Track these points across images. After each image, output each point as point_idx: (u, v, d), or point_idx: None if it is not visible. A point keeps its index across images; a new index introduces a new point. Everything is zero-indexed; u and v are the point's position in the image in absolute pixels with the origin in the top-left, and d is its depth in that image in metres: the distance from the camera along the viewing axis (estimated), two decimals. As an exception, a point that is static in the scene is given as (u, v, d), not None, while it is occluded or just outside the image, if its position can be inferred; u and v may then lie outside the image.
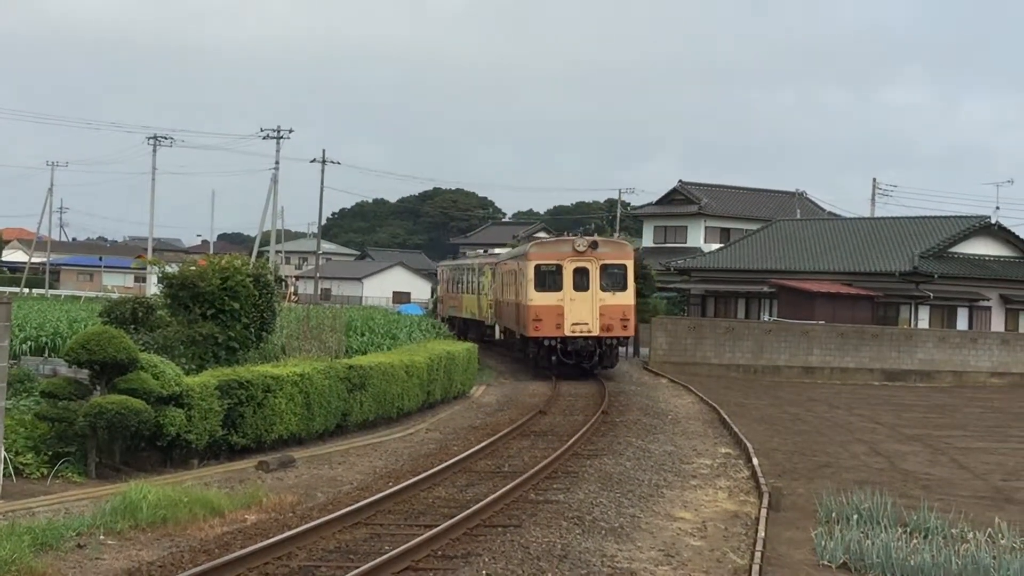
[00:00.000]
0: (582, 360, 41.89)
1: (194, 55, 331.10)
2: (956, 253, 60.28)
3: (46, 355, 30.88)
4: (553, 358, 41.74)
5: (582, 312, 41.00)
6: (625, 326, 41.85)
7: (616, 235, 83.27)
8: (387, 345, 38.67)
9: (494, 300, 51.43)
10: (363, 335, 39.21)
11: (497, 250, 64.06)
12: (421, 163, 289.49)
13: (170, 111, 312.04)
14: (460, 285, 62.67)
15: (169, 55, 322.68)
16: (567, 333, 41.08)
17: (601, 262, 41.59)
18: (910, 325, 57.10)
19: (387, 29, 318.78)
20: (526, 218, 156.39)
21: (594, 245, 42.09)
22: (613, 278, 41.66)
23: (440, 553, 15.06)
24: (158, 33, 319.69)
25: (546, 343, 41.48)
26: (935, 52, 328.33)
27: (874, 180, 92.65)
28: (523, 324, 42.27)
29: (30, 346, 32.45)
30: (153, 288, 65.10)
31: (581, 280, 41.30)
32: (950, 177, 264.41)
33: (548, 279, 41.38)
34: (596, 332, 41.19)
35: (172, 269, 29.70)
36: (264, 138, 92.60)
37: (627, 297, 41.71)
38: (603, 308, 41.10)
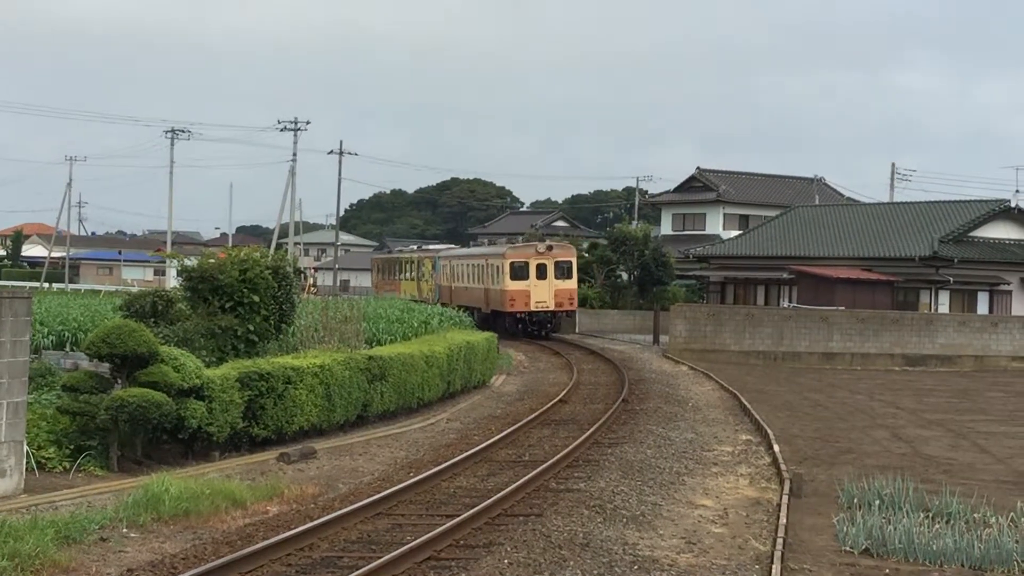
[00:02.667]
0: (541, 327, 58.15)
1: (209, 48, 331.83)
2: (976, 237, 60.02)
3: (67, 349, 30.96)
4: (520, 326, 57.81)
5: (542, 294, 57.30)
6: (571, 303, 58.62)
7: (635, 223, 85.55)
8: (398, 330, 39.04)
9: (437, 285, 69.21)
10: (378, 324, 39.42)
11: (432, 246, 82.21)
12: (439, 154, 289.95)
13: (187, 104, 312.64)
14: (396, 274, 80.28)
15: (184, 48, 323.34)
16: (532, 308, 57.40)
17: (555, 260, 57.76)
18: (930, 310, 56.91)
19: (399, 19, 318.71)
20: (544, 207, 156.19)
21: (550, 248, 58.79)
22: (563, 270, 57.87)
23: (462, 543, 15.09)
24: (172, 26, 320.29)
25: (518, 315, 57.78)
26: (951, 35, 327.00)
27: (893, 165, 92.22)
28: (499, 303, 58.06)
29: (52, 340, 32.53)
30: (172, 281, 65.56)
31: (541, 272, 57.31)
32: (969, 161, 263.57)
33: (519, 271, 57.21)
34: (552, 307, 57.76)
35: (191, 262, 29.70)
36: (281, 130, 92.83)
37: (572, 283, 58.41)
38: (556, 291, 57.48)
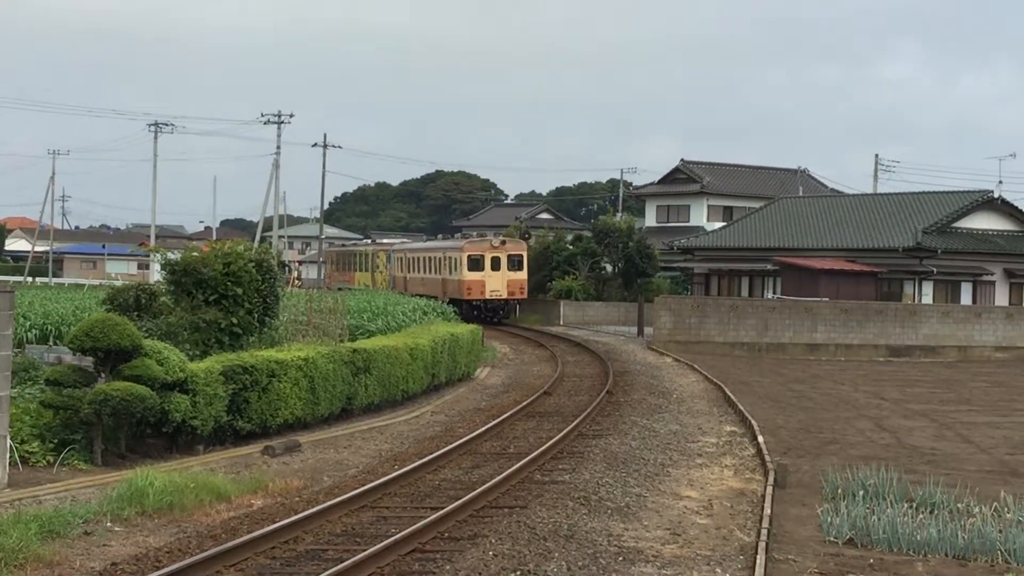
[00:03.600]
0: (495, 313, 63.80)
1: (193, 41, 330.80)
2: (959, 228, 60.22)
3: (50, 343, 30.85)
4: (476, 312, 61.66)
5: (496, 284, 63.51)
6: (522, 292, 64.54)
7: (619, 215, 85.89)
8: (381, 322, 39.02)
9: (392, 276, 75.47)
10: (363, 316, 39.40)
11: (385, 240, 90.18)
12: (423, 146, 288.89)
13: (170, 98, 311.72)
14: (351, 265, 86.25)
15: (167, 41, 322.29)
16: (487, 296, 63.41)
17: (507, 253, 64.10)
18: (914, 301, 57.08)
19: (385, 12, 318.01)
20: (529, 199, 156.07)
21: (503, 242, 65.40)
22: (514, 263, 64.19)
23: (447, 535, 15.09)
24: (155, 18, 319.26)
25: (474, 303, 62.95)
26: (933, 27, 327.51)
27: (876, 156, 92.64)
28: (456, 292, 63.25)
29: (35, 334, 32.43)
30: (156, 275, 65.60)
31: (495, 264, 63.62)
32: (952, 152, 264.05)
33: (475, 264, 63.44)
34: (504, 296, 63.95)
35: (174, 256, 29.63)
36: (265, 123, 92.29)
37: (523, 274, 64.61)
38: (509, 281, 63.77)
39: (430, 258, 69.79)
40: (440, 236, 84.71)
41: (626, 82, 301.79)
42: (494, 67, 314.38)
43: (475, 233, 73.05)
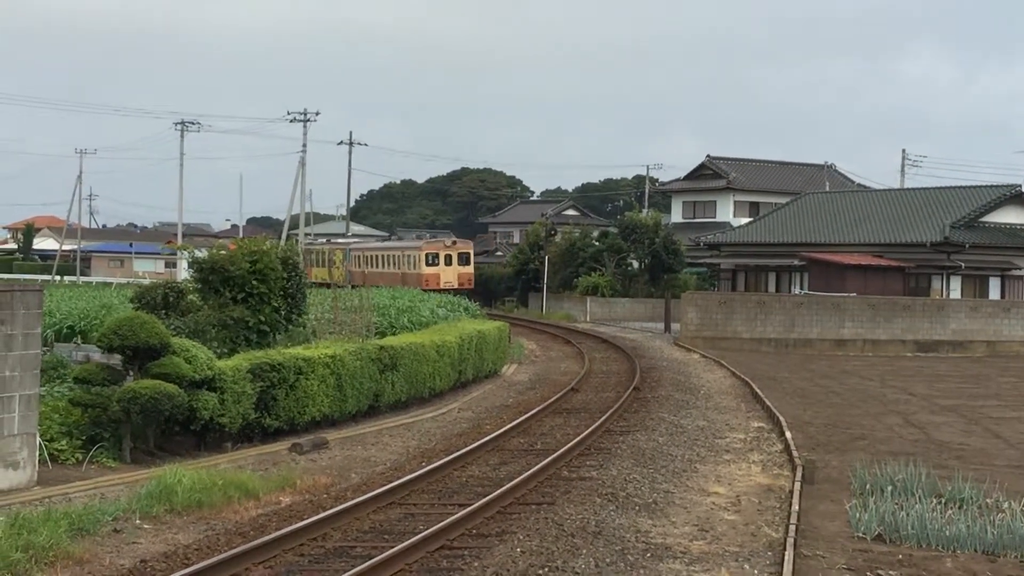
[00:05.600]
0: None
1: (217, 40, 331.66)
2: (987, 222, 59.87)
3: (78, 341, 30.99)
4: None
5: (449, 276, 73.86)
6: (469, 283, 74.63)
7: (646, 211, 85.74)
8: (406, 319, 39.08)
9: (349, 271, 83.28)
10: (388, 313, 39.47)
11: (339, 239, 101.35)
12: (448, 144, 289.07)
13: (196, 97, 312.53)
14: (308, 262, 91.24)
15: (192, 41, 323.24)
16: (441, 287, 69.71)
17: (458, 251, 75.69)
18: (942, 295, 56.81)
19: (407, 13, 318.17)
20: (554, 196, 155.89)
21: (454, 242, 77.82)
22: (463, 259, 75.49)
23: (474, 531, 15.10)
24: (179, 18, 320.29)
25: (430, 293, 64.36)
26: (959, 21, 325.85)
27: (903, 151, 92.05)
28: (415, 283, 70.73)
29: (62, 332, 32.57)
30: (183, 273, 66.21)
31: (448, 260, 74.76)
32: (979, 147, 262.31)
33: (432, 260, 74.38)
34: (455, 286, 71.76)
35: (201, 254, 29.74)
36: (291, 121, 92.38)
37: (470, 269, 75.87)
38: (459, 274, 74.55)
39: (389, 255, 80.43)
40: (395, 236, 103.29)
41: (651, 80, 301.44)
42: (517, 65, 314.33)
43: (442, 236, 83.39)
